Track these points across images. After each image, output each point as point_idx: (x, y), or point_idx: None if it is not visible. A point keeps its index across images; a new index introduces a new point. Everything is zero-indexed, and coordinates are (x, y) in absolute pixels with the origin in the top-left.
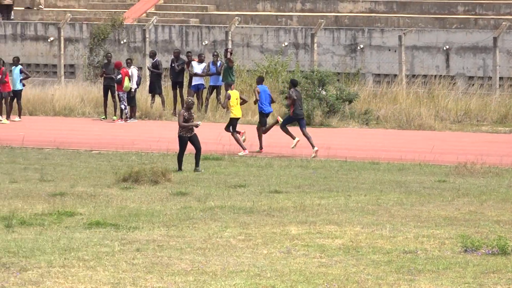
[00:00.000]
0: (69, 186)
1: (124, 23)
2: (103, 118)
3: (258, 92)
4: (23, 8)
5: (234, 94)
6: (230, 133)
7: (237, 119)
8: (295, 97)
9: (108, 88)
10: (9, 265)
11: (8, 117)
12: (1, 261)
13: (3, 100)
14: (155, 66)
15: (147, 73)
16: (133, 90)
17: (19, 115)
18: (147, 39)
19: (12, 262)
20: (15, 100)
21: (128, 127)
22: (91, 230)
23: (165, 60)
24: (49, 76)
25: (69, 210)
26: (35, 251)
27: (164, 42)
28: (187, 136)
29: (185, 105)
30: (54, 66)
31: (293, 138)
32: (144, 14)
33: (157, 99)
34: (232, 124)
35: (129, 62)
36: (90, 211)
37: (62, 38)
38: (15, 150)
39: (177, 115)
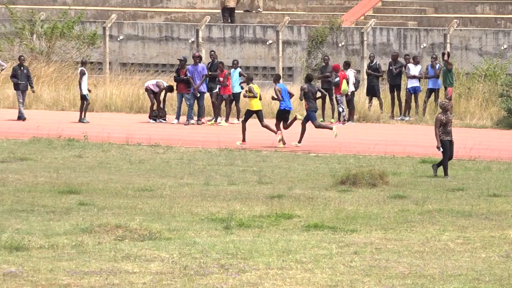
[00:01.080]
0: (287, 189)
1: (342, 26)
2: (321, 121)
3: (279, 91)
4: (242, 11)
5: (255, 88)
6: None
7: (254, 112)
8: (306, 91)
9: (326, 91)
10: (227, 267)
11: (226, 120)
12: (220, 262)
13: (223, 102)
14: (374, 69)
15: (365, 75)
16: (349, 93)
17: (238, 118)
18: (365, 42)
19: (231, 263)
20: (233, 103)
21: (346, 130)
22: (308, 232)
23: (383, 63)
24: (268, 79)
25: (287, 212)
26: (253, 253)
27: (382, 45)
28: (447, 140)
29: (440, 108)
30: (273, 68)
31: (331, 128)
32: (362, 17)
33: (375, 101)
34: (248, 115)
35: (347, 65)
36: (307, 213)
37: (280, 41)
38: (234, 152)
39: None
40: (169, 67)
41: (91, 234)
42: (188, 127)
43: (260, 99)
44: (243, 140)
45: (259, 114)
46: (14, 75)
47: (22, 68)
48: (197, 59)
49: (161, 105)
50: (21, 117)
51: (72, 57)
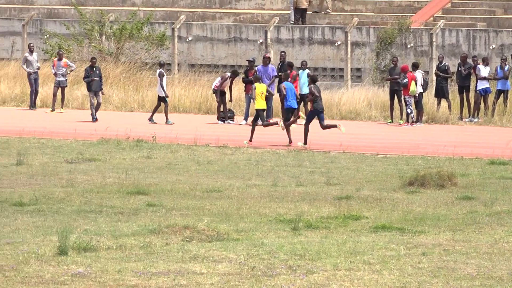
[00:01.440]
0: (355, 190)
1: (411, 27)
2: (389, 122)
3: (285, 89)
4: (311, 12)
5: (260, 87)
6: (255, 124)
7: (262, 110)
8: (317, 93)
9: (394, 92)
10: (295, 268)
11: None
12: (288, 263)
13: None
14: (443, 70)
15: (433, 77)
16: (417, 94)
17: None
18: (434, 43)
19: (299, 265)
20: (301, 103)
21: (414, 131)
22: (376, 233)
23: (451, 64)
24: (336, 80)
25: (355, 213)
26: (321, 254)
27: (451, 46)
28: None
29: None
30: (341, 70)
31: (336, 126)
32: (431, 18)
33: (443, 103)
34: (258, 114)
35: (415, 66)
36: (375, 214)
37: (349, 42)
38: (302, 154)
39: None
40: (238, 68)
41: (159, 235)
42: (256, 128)
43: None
44: (250, 140)
45: (260, 113)
46: (86, 77)
47: (94, 69)
48: (267, 60)
49: (229, 93)
50: (93, 118)
51: (141, 58)
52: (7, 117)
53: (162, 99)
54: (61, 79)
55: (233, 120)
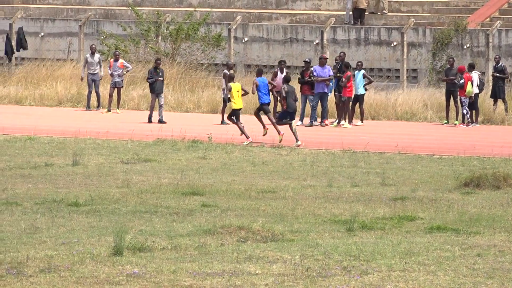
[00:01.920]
0: (410, 191)
1: (468, 27)
2: (445, 123)
3: (257, 85)
4: (367, 13)
5: (236, 86)
6: (234, 123)
7: (239, 109)
8: (287, 92)
9: (450, 93)
10: (350, 269)
11: (350, 121)
12: (342, 264)
13: (344, 104)
14: (499, 70)
15: (490, 77)
16: (472, 95)
17: (361, 119)
18: (490, 43)
19: (353, 265)
20: (357, 104)
21: (470, 132)
22: (431, 234)
23: (508, 65)
24: (392, 81)
25: (409, 214)
26: (375, 255)
27: (508, 47)
28: None
29: None
30: (397, 70)
31: (263, 129)
32: (488, 19)
33: (500, 104)
34: (235, 115)
35: (472, 67)
36: (431, 215)
37: (405, 43)
38: (357, 154)
39: None
40: (294, 69)
41: (214, 236)
42: (312, 129)
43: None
44: (264, 127)
45: (237, 112)
46: (150, 78)
47: (157, 71)
48: (324, 60)
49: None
50: (150, 119)
51: (197, 59)
52: (63, 118)
53: (224, 100)
54: (117, 79)
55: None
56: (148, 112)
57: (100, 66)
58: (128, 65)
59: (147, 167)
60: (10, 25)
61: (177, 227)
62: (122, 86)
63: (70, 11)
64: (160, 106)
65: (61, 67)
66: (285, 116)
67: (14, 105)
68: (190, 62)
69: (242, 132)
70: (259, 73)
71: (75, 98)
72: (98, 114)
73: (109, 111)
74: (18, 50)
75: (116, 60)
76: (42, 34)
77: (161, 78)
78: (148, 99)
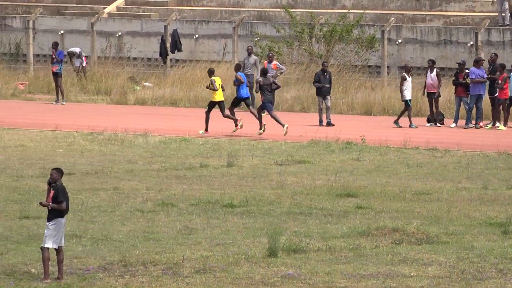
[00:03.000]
0: None
1: None
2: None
3: (241, 79)
4: None
5: (218, 80)
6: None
7: (219, 102)
8: (262, 84)
9: None
10: (506, 272)
11: (505, 124)
12: (498, 267)
13: (501, 106)
14: None
15: None
16: None
17: None
18: None
19: (509, 268)
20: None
21: None
22: None
23: None
24: None
25: None
26: None
27: None
28: None
29: None
30: None
31: (282, 124)
32: None
33: None
34: (211, 107)
35: None
36: None
37: None
38: None
39: None
40: (447, 70)
41: (368, 238)
42: (466, 131)
43: (223, 90)
44: (206, 129)
45: (221, 104)
46: (317, 81)
47: (325, 73)
48: (481, 62)
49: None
50: (321, 122)
51: (350, 60)
52: (217, 119)
53: (405, 102)
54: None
55: (442, 123)
56: (317, 115)
57: (257, 68)
58: (282, 66)
59: (301, 169)
60: (165, 27)
61: (331, 228)
62: (277, 88)
63: (224, 13)
64: (328, 108)
65: (215, 68)
66: (268, 107)
67: (169, 106)
68: (343, 64)
69: (206, 123)
70: (238, 68)
71: (230, 100)
72: (251, 115)
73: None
74: (173, 52)
75: (270, 61)
76: (197, 36)
77: (327, 85)
78: (303, 101)
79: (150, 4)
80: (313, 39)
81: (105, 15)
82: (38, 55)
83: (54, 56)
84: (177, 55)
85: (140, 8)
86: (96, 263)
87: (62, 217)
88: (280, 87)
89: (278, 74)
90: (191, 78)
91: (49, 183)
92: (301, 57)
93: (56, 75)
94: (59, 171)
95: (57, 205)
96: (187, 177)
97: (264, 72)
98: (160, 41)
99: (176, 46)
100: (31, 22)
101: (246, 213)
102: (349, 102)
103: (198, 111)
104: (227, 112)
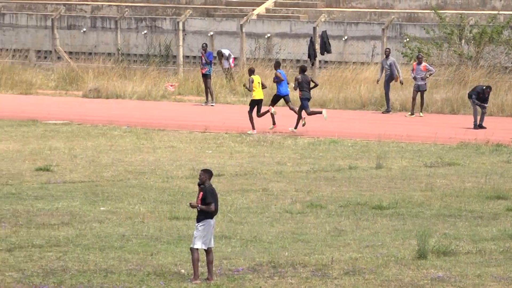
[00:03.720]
0: None
1: None
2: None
3: (280, 76)
4: None
5: (257, 78)
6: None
7: (259, 100)
8: (300, 81)
9: None
10: None
11: None
12: None
13: None
14: None
15: None
16: None
17: None
18: None
19: None
20: None
21: None
22: None
23: None
24: None
25: None
26: None
27: None
28: None
29: None
30: None
31: (320, 112)
32: None
33: None
34: (252, 106)
35: None
36: None
37: None
38: None
39: None
40: None
41: None
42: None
43: (263, 88)
44: (253, 128)
45: (259, 103)
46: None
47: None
48: None
49: None
50: (475, 125)
51: (500, 62)
52: (366, 121)
53: None
54: (420, 83)
55: None
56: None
57: (398, 71)
58: (431, 68)
59: (451, 171)
60: (314, 28)
61: (481, 231)
62: (425, 90)
63: (373, 14)
64: (483, 112)
65: (364, 70)
66: (304, 104)
67: (318, 108)
68: (493, 66)
69: (251, 122)
70: (278, 65)
71: (378, 102)
72: (401, 117)
73: (412, 114)
74: (322, 54)
75: (419, 63)
76: (346, 37)
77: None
78: (452, 103)
79: (299, 6)
80: (463, 41)
81: (254, 17)
82: (187, 56)
83: (203, 58)
84: (326, 56)
85: (289, 9)
86: (245, 264)
87: (211, 218)
88: (318, 85)
89: (428, 76)
90: (340, 79)
91: (199, 184)
92: (451, 59)
93: (206, 77)
94: (207, 173)
95: (206, 207)
96: (336, 179)
97: (303, 70)
98: (309, 43)
99: (325, 47)
100: (181, 24)
101: (395, 215)
102: (499, 104)
103: (347, 112)
104: (262, 110)
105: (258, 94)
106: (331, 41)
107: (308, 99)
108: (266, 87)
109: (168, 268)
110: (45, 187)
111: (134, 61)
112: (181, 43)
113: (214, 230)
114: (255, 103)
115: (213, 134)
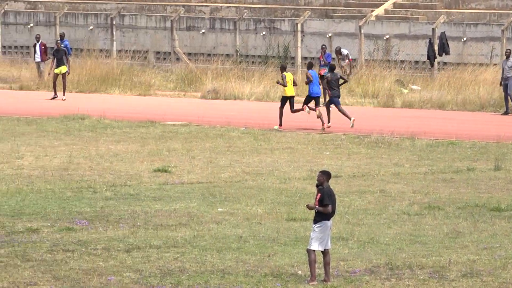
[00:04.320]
0: None
1: None
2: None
3: (311, 76)
4: None
5: (289, 75)
6: (295, 110)
7: (290, 97)
8: (329, 79)
9: None
10: None
11: None
12: None
13: None
14: None
15: None
16: None
17: None
18: None
19: None
20: None
21: None
22: None
23: None
24: None
25: None
26: None
27: None
28: None
29: None
30: None
31: (349, 118)
32: None
33: None
34: (283, 102)
35: None
36: None
37: None
38: None
39: None
40: None
41: None
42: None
43: (295, 85)
44: (280, 124)
45: (291, 100)
46: None
47: None
48: None
49: None
50: None
51: None
52: (485, 123)
53: None
54: None
55: None
56: None
57: None
58: None
59: None
60: (433, 30)
61: None
62: None
63: (492, 15)
64: None
65: (483, 71)
66: (335, 101)
67: (436, 109)
68: None
69: (280, 118)
70: (311, 66)
71: (497, 103)
72: None
73: None
74: (440, 55)
75: None
76: (465, 38)
77: None
78: None
79: (418, 7)
80: None
81: (372, 18)
82: (305, 57)
83: (322, 59)
84: (445, 58)
85: (408, 10)
86: (362, 265)
87: (328, 219)
88: (347, 81)
89: None
90: (459, 81)
91: (317, 186)
92: None
93: (323, 78)
94: (325, 174)
95: (323, 208)
96: (454, 181)
97: (331, 68)
98: (428, 44)
99: (444, 49)
100: (299, 25)
101: None
102: None
103: (466, 114)
104: (296, 107)
105: (289, 90)
106: (450, 42)
107: (338, 97)
108: (297, 85)
109: (285, 270)
110: (163, 188)
111: (252, 62)
112: (299, 44)
113: (331, 231)
114: (286, 99)
115: (331, 135)
